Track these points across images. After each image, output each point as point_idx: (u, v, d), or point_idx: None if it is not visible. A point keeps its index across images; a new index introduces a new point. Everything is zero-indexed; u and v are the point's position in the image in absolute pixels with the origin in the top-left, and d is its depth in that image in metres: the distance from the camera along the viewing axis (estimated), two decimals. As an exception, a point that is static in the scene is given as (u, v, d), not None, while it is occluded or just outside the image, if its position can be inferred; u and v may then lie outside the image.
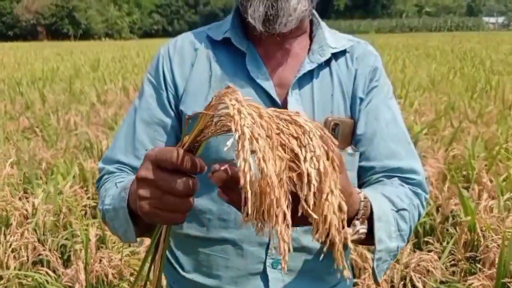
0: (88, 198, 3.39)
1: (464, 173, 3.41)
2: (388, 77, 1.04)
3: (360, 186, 0.97)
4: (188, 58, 0.98)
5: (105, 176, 0.98)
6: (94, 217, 3.22)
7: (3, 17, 60.00)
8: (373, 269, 0.85)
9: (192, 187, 0.62)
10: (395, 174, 0.94)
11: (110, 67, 13.37)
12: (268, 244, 0.94)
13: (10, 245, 2.59)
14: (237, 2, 0.95)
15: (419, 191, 0.95)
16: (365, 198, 0.78)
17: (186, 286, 1.02)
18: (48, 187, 3.23)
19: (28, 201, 3.06)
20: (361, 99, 0.97)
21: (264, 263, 0.94)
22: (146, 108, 0.98)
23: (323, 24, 1.01)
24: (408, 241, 0.93)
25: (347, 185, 0.68)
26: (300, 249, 0.95)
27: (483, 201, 2.71)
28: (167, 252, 1.05)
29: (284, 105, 0.93)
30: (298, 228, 0.92)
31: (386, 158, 0.95)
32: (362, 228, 0.78)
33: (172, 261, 1.04)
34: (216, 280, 0.98)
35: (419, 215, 0.95)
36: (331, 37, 0.99)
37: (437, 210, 2.90)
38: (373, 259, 0.84)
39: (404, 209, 0.88)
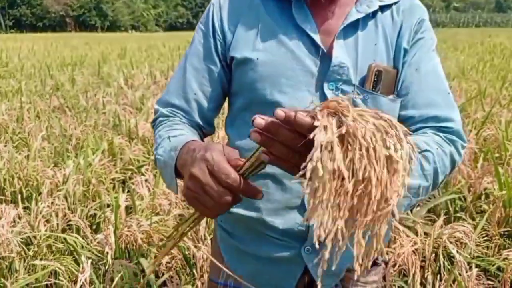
0: (116, 172, 3.42)
1: (497, 155, 3.33)
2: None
3: None
4: (239, 6, 1.02)
5: (160, 119, 1.05)
6: (123, 190, 3.25)
7: (33, 8, 61.12)
8: None
9: (231, 202, 0.71)
10: (431, 123, 0.96)
11: (136, 55, 13.49)
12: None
13: (41, 211, 2.63)
14: None
15: (455, 138, 0.96)
16: None
17: (230, 219, 1.09)
18: (78, 159, 3.27)
19: (59, 172, 3.11)
20: (406, 50, 0.98)
21: (303, 198, 0.97)
22: (196, 55, 1.04)
23: None
24: (436, 185, 0.92)
25: None
26: None
27: (517, 179, 2.63)
28: None
29: (329, 52, 0.95)
30: None
31: (424, 107, 0.97)
32: None
33: None
34: (256, 212, 1.02)
35: (454, 162, 0.95)
36: None
37: (469, 190, 2.83)
38: None
39: (427, 151, 0.89)
